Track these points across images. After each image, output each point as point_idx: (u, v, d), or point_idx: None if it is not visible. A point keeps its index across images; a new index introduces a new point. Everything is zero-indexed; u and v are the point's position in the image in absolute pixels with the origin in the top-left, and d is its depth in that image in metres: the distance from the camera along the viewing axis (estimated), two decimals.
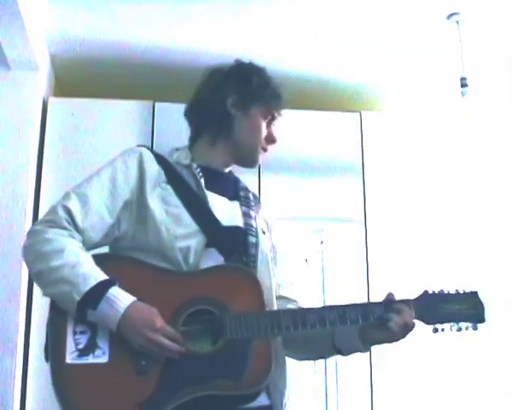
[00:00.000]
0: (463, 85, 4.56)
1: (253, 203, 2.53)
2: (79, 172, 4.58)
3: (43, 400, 4.25)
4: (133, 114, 5.01)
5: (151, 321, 2.02)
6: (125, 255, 2.27)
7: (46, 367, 2.03)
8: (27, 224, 4.47)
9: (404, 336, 2.23)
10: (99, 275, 2.08)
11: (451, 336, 4.75)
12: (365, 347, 2.28)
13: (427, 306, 2.29)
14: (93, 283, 2.04)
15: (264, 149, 2.52)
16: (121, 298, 2.04)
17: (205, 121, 2.52)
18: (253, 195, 2.60)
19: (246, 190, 2.57)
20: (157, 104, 5.02)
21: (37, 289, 4.41)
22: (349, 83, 5.45)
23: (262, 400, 2.18)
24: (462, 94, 4.56)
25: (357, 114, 5.34)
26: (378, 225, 5.02)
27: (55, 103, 5.04)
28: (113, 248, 2.33)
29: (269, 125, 2.53)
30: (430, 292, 2.31)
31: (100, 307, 2.02)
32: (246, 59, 2.57)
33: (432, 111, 5.52)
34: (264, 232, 2.47)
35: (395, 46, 4.96)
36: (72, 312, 2.04)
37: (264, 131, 2.50)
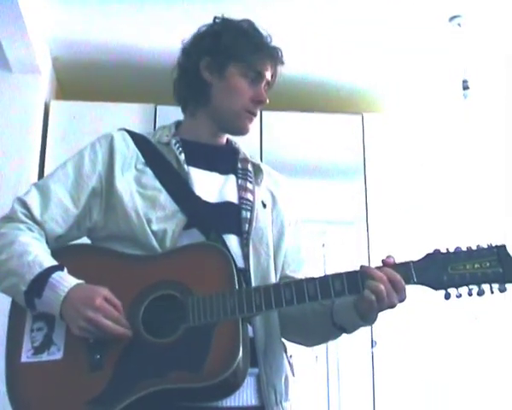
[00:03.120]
0: (465, 88, 4.56)
1: (251, 175, 2.26)
2: None
3: None
4: (135, 117, 5.01)
5: (90, 299, 1.85)
6: (84, 244, 2.13)
7: None
8: None
9: (388, 307, 1.87)
10: (45, 262, 1.93)
11: (458, 326, 4.80)
12: (364, 320, 1.94)
13: (434, 268, 1.89)
14: (38, 270, 1.90)
15: (251, 112, 2.21)
16: (64, 282, 1.89)
17: (183, 92, 2.29)
18: (254, 165, 2.30)
19: (245, 161, 2.29)
20: (159, 107, 5.04)
21: None
22: (351, 85, 5.45)
23: (248, 399, 1.99)
24: (464, 96, 4.56)
25: (359, 116, 5.35)
26: (380, 227, 5.02)
27: (57, 106, 5.05)
28: (91, 241, 2.17)
29: (255, 84, 2.21)
30: (438, 251, 1.91)
31: (44, 294, 1.88)
32: None
33: (434, 113, 5.52)
34: (264, 205, 2.21)
35: (397, 48, 4.96)
36: (23, 304, 1.92)
37: (248, 92, 2.20)
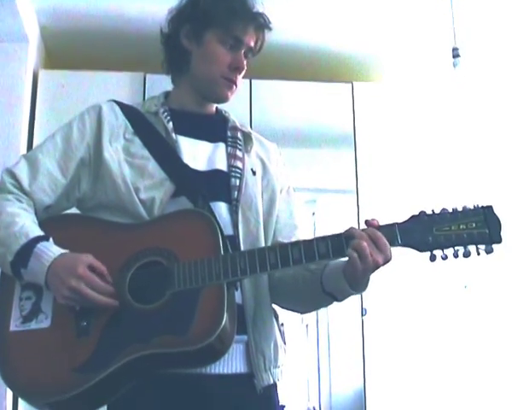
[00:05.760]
0: (455, 56, 4.54)
1: (240, 142, 2.26)
2: None
3: None
4: (124, 85, 5.00)
5: (73, 268, 1.87)
6: (72, 214, 2.17)
7: None
8: None
9: (373, 267, 1.83)
10: (31, 232, 1.95)
11: (448, 294, 4.82)
12: (353, 288, 1.92)
13: (419, 229, 1.88)
14: (23, 241, 1.92)
15: (228, 79, 2.19)
16: (49, 251, 1.91)
17: (167, 61, 2.30)
18: (245, 133, 2.30)
19: (234, 129, 2.29)
20: (148, 76, 5.02)
21: None
22: (340, 53, 5.43)
23: (237, 366, 2.02)
24: (454, 64, 4.55)
25: (349, 84, 5.33)
26: (370, 195, 5.03)
27: (46, 75, 5.03)
28: (80, 211, 2.19)
29: (234, 50, 2.18)
30: (423, 213, 1.92)
31: (29, 265, 1.90)
32: None
33: (424, 81, 5.51)
34: (254, 173, 2.22)
35: (387, 16, 4.94)
36: (11, 274, 1.95)
37: (226, 59, 2.17)
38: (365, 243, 1.83)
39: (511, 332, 4.99)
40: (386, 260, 1.86)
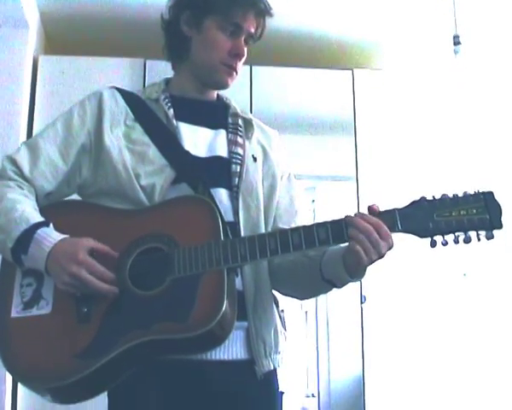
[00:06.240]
0: (456, 43, 4.54)
1: (241, 129, 2.25)
2: None
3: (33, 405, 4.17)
4: (124, 71, 4.99)
5: (74, 254, 1.86)
6: (73, 200, 2.17)
7: None
8: None
9: (376, 256, 1.84)
10: (32, 218, 1.95)
11: (447, 282, 4.83)
12: (351, 275, 1.92)
13: (420, 215, 1.87)
14: (23, 227, 1.91)
15: (228, 66, 2.17)
16: (49, 237, 1.91)
17: (167, 48, 2.29)
18: (245, 119, 2.29)
19: (235, 115, 2.28)
20: (148, 62, 5.01)
21: None
22: (341, 40, 5.42)
23: (237, 352, 2.03)
24: (455, 52, 4.54)
25: (350, 71, 5.32)
26: (370, 183, 5.02)
27: (46, 61, 5.01)
28: (81, 197, 2.19)
29: (234, 37, 2.16)
30: (423, 198, 1.91)
31: (30, 251, 1.90)
32: None
33: (424, 69, 5.50)
34: (255, 159, 2.22)
35: (388, 3, 4.93)
36: (11, 260, 1.95)
37: (226, 45, 2.16)
38: (362, 236, 1.82)
39: (509, 320, 5.00)
40: (389, 248, 1.85)
